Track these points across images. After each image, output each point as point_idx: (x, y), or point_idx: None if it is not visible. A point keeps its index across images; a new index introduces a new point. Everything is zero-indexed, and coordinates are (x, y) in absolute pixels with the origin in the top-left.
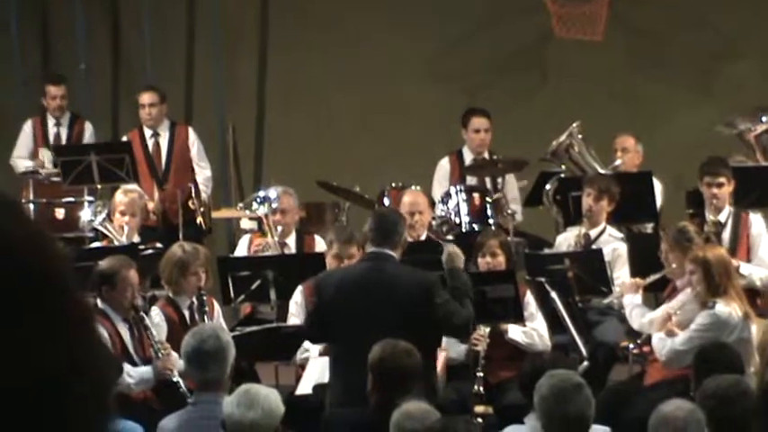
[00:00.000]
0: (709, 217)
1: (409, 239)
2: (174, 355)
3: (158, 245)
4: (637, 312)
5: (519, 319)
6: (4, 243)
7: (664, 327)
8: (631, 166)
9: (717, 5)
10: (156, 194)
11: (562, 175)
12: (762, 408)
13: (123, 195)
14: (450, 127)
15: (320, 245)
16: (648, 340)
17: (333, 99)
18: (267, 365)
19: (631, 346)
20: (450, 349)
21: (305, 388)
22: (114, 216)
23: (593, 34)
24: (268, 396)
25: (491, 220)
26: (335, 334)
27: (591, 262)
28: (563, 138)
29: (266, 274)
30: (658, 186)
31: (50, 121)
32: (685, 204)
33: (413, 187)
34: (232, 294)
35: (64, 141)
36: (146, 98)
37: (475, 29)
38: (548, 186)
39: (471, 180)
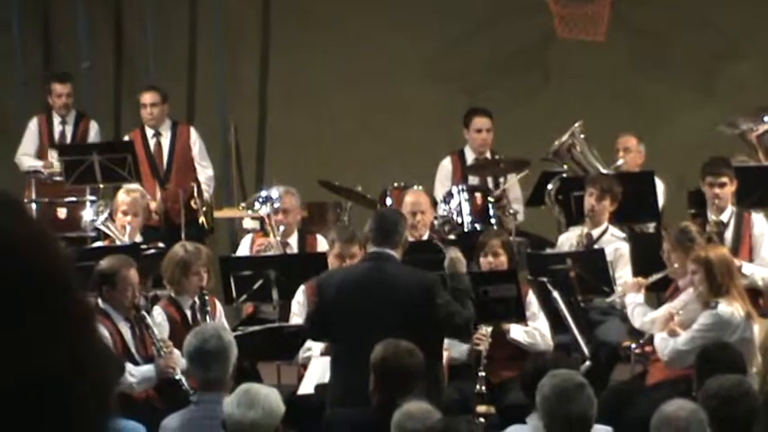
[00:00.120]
0: (712, 217)
1: (411, 239)
2: (177, 352)
3: (160, 244)
4: (639, 312)
5: (521, 318)
6: (6, 242)
7: (665, 326)
8: (633, 166)
9: (719, 6)
10: (159, 194)
11: (564, 175)
12: (764, 408)
13: (125, 195)
14: (452, 127)
15: (322, 244)
16: (650, 340)
17: (334, 99)
18: (269, 365)
19: (633, 345)
20: (452, 349)
21: (307, 388)
22: (116, 216)
23: (596, 34)
24: (268, 395)
25: (493, 220)
26: (336, 334)
27: (593, 262)
28: (565, 137)
29: (268, 274)
30: (660, 186)
31: (56, 119)
32: (687, 204)
33: (415, 187)
34: (234, 294)
35: (69, 140)
36: (147, 98)
37: (476, 29)
38: (550, 186)
39: (473, 180)
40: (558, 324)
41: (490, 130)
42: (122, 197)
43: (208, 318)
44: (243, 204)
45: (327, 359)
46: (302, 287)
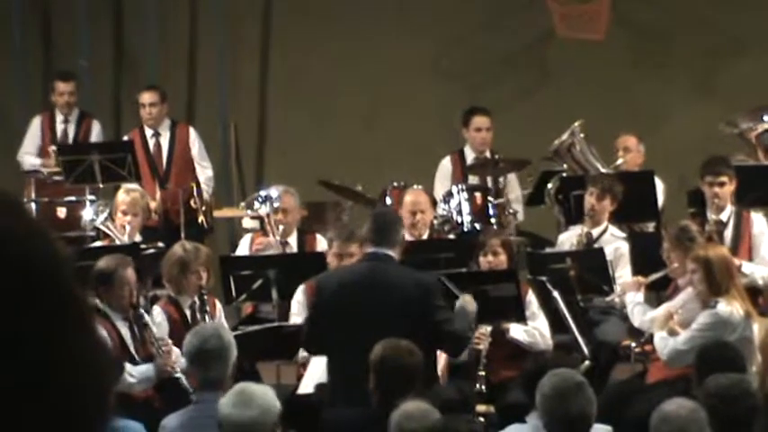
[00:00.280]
0: (711, 216)
1: (411, 239)
2: (176, 351)
3: (160, 244)
4: (638, 310)
5: (520, 318)
6: (5, 241)
7: (665, 325)
8: (633, 166)
9: (719, 5)
10: (158, 194)
11: (564, 175)
12: (764, 407)
13: (125, 195)
14: (452, 126)
15: (322, 244)
16: (650, 339)
17: (334, 98)
18: (269, 364)
19: (633, 344)
20: None
21: (306, 387)
22: (116, 215)
23: (595, 33)
24: (264, 394)
25: (492, 220)
26: (334, 334)
27: (593, 261)
28: (565, 137)
29: (268, 274)
30: (660, 185)
31: (58, 118)
32: (687, 203)
33: (414, 186)
34: (234, 294)
35: (71, 138)
36: (146, 98)
37: (476, 28)
38: (549, 185)
39: (473, 179)
40: (557, 323)
41: (490, 129)
42: (122, 197)
43: (207, 317)
44: (242, 204)
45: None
46: (302, 287)
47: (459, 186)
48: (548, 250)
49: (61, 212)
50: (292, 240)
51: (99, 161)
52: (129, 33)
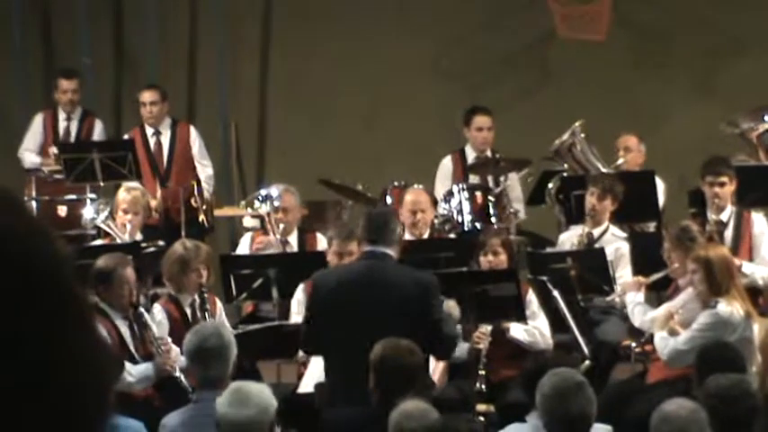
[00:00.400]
0: (711, 216)
1: (411, 238)
2: (175, 349)
3: (160, 243)
4: (639, 310)
5: (521, 317)
6: (5, 238)
7: (665, 325)
8: (634, 166)
9: (719, 5)
10: (159, 192)
11: (564, 174)
12: (764, 407)
13: (126, 193)
14: (453, 125)
15: (322, 243)
16: (650, 339)
17: (335, 98)
18: (269, 363)
19: (633, 344)
20: None
21: (307, 386)
22: (117, 214)
23: (596, 34)
24: (261, 392)
25: (493, 219)
26: (332, 333)
27: (593, 261)
28: (565, 137)
29: (268, 273)
30: (661, 185)
31: (61, 116)
32: (687, 203)
33: (415, 186)
34: (234, 292)
35: (73, 136)
36: (147, 96)
37: (477, 28)
38: (550, 185)
39: (474, 179)
40: (557, 323)
41: (491, 129)
42: (123, 195)
43: (207, 316)
44: (243, 203)
45: None
46: (302, 285)
47: (460, 186)
48: (548, 250)
49: (62, 211)
50: (293, 239)
51: (100, 159)
52: (129, 33)
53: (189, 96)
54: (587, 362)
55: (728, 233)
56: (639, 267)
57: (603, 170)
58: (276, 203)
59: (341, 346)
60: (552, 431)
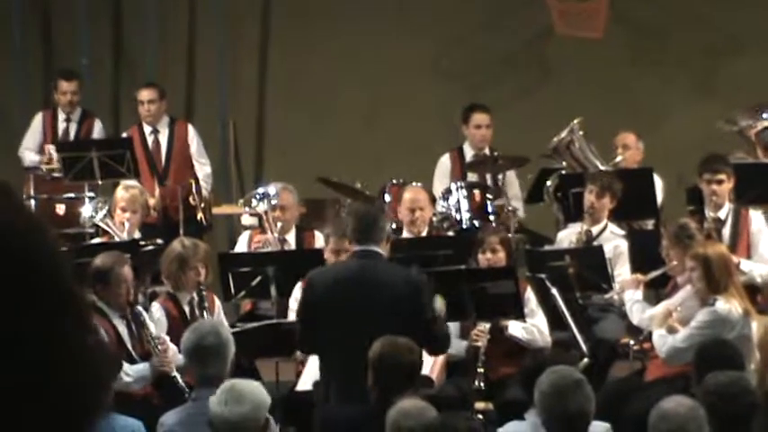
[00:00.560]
0: (709, 214)
1: (410, 236)
2: (173, 348)
3: (159, 241)
4: (637, 308)
5: (519, 315)
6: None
7: (664, 323)
8: (632, 163)
9: (716, 2)
10: (157, 191)
11: (563, 172)
12: (763, 405)
13: (124, 191)
14: (451, 123)
15: (320, 241)
16: (649, 337)
17: (334, 95)
18: (268, 361)
19: (632, 342)
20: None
21: (305, 384)
22: (115, 212)
23: (594, 31)
24: (254, 389)
25: (491, 217)
26: (325, 331)
27: (592, 258)
28: (564, 134)
29: (266, 271)
30: (659, 183)
31: (60, 116)
32: (686, 201)
33: (413, 183)
34: (232, 291)
35: (72, 137)
36: (145, 95)
37: (475, 26)
38: (548, 183)
39: (472, 176)
40: (556, 321)
41: (489, 127)
42: (121, 194)
43: (206, 314)
44: (241, 201)
45: None
46: (300, 283)
47: (459, 183)
48: (547, 248)
49: (60, 209)
50: (291, 237)
51: (98, 158)
52: (128, 33)
53: (187, 95)
54: (586, 359)
55: (726, 231)
56: (638, 265)
57: (602, 168)
58: (274, 202)
59: (334, 344)
60: (551, 429)
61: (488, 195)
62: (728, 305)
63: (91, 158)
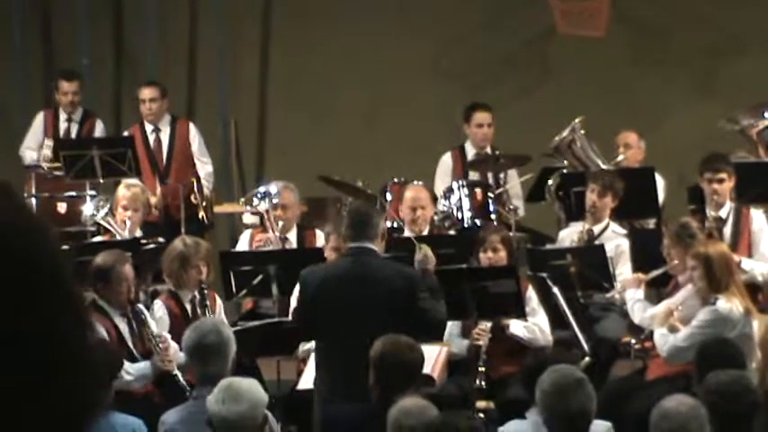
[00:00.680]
0: (710, 213)
1: (411, 234)
2: (174, 346)
3: (160, 239)
4: (638, 307)
5: (520, 314)
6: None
7: (665, 322)
8: (634, 162)
9: (718, 2)
10: (158, 189)
11: (564, 171)
12: (764, 403)
13: (126, 190)
14: (453, 122)
15: (321, 240)
16: (650, 336)
17: (335, 94)
18: (269, 360)
19: (633, 341)
20: (451, 344)
21: (307, 383)
22: (116, 211)
23: (596, 30)
24: (251, 387)
25: (493, 216)
26: (321, 330)
27: (593, 258)
28: (565, 133)
29: (268, 269)
30: (661, 182)
31: (62, 116)
32: (687, 200)
33: (415, 182)
34: (234, 289)
35: (73, 137)
36: (146, 93)
37: (477, 24)
38: (550, 182)
39: (473, 175)
40: (557, 320)
41: (491, 125)
42: (122, 192)
43: (207, 312)
44: (242, 200)
45: None
46: None
47: (460, 182)
48: (548, 247)
49: (61, 207)
50: (292, 236)
51: (99, 156)
52: (129, 33)
53: (189, 94)
54: (587, 358)
55: (727, 230)
56: (639, 264)
57: (603, 167)
58: (275, 200)
59: (330, 342)
60: (552, 428)
61: (490, 194)
62: (729, 304)
63: (92, 157)
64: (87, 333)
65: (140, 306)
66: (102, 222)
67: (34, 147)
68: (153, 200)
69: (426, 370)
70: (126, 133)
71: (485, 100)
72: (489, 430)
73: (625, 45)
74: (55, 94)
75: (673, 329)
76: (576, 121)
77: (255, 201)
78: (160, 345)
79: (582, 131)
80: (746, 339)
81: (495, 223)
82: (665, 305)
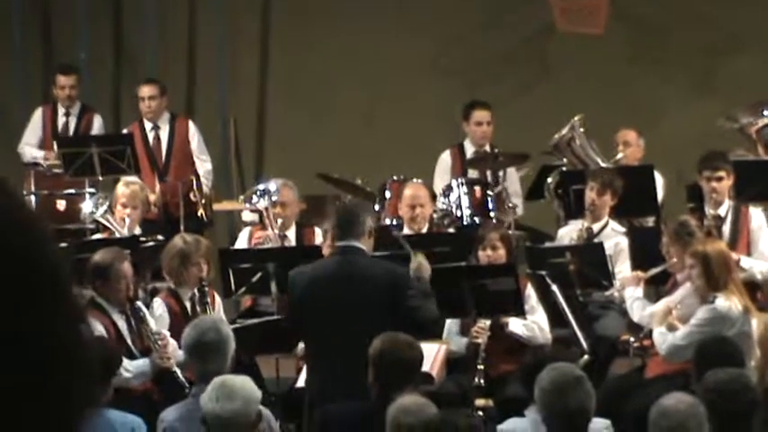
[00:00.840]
0: (709, 211)
1: (410, 232)
2: (173, 344)
3: (159, 237)
4: (637, 305)
5: (519, 312)
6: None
7: (664, 320)
8: (633, 160)
9: (718, 0)
10: (157, 187)
11: (564, 169)
12: (763, 402)
13: (125, 187)
14: (452, 120)
15: (320, 237)
16: (649, 334)
17: (335, 92)
18: (268, 357)
19: (632, 339)
20: (450, 342)
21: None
22: (116, 208)
23: (595, 27)
24: (244, 385)
25: (492, 214)
26: (309, 330)
27: (592, 256)
28: (565, 131)
29: (267, 267)
30: (660, 180)
31: (60, 111)
32: (686, 198)
33: (414, 180)
34: (233, 287)
35: (72, 132)
36: (145, 91)
37: (476, 26)
38: (549, 180)
39: (472, 173)
40: (556, 318)
41: (490, 123)
42: (122, 189)
43: (207, 310)
44: (241, 197)
45: None
46: None
47: (459, 180)
48: (547, 245)
49: (61, 205)
50: (291, 234)
51: (98, 154)
52: (128, 31)
53: (188, 91)
54: (586, 356)
55: (726, 228)
56: (638, 262)
57: (603, 165)
58: (274, 198)
59: (318, 342)
60: (551, 425)
61: (489, 192)
62: (728, 302)
63: (91, 154)
64: (83, 331)
65: (139, 303)
66: (101, 220)
67: (34, 143)
68: (152, 197)
69: (425, 368)
70: (125, 131)
71: (484, 98)
72: (488, 428)
73: (624, 43)
74: (53, 89)
75: (671, 328)
76: (576, 118)
77: (254, 198)
78: (159, 342)
79: (581, 129)
80: (745, 337)
81: (493, 221)
82: (663, 303)
